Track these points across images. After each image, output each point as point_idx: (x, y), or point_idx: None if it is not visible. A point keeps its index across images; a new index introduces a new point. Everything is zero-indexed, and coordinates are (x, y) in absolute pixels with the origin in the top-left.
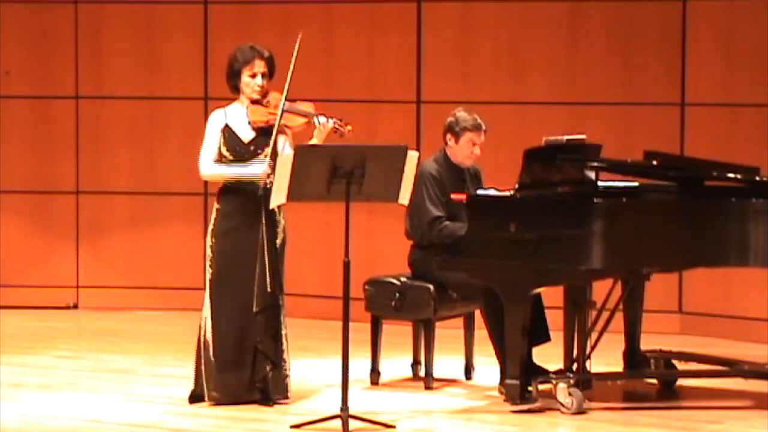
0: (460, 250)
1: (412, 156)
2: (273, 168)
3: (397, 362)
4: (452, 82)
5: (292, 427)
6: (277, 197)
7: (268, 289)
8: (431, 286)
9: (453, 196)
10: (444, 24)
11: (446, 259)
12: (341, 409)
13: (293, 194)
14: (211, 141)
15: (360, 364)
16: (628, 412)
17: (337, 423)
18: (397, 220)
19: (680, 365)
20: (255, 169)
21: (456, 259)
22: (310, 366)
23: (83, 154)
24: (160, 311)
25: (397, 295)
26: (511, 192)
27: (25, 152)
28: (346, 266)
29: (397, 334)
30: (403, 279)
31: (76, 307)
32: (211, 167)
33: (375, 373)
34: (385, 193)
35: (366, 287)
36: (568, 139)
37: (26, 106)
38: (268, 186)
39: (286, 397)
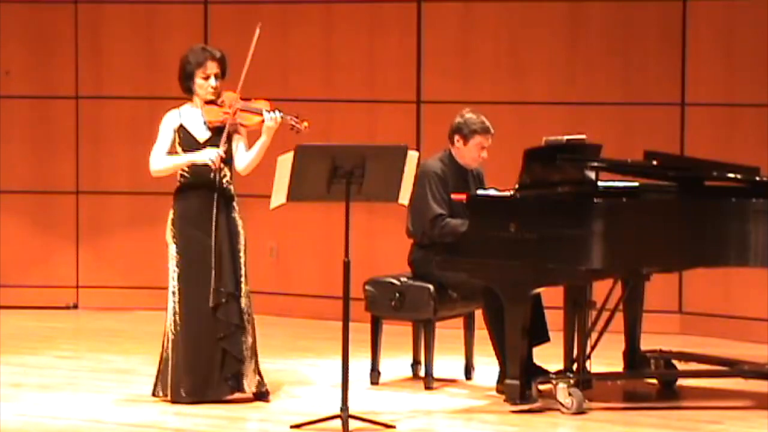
0: (460, 250)
1: (412, 156)
2: (226, 154)
3: (397, 362)
4: (452, 82)
5: (292, 427)
6: (277, 197)
7: (221, 288)
8: (431, 286)
9: (453, 196)
10: (444, 24)
11: (446, 259)
12: (341, 409)
13: (293, 194)
14: (164, 140)
15: (360, 364)
16: (628, 412)
17: (337, 423)
18: (397, 220)
19: (680, 365)
20: (207, 153)
21: (456, 259)
22: (310, 366)
23: (83, 154)
24: (160, 311)
25: (397, 295)
26: (511, 192)
27: (25, 152)
28: (346, 266)
29: (397, 334)
30: (403, 279)
31: (76, 307)
32: (161, 160)
33: (375, 373)
34: (385, 193)
35: (366, 287)
36: (568, 139)
37: (26, 106)
38: (222, 178)
39: (262, 392)
